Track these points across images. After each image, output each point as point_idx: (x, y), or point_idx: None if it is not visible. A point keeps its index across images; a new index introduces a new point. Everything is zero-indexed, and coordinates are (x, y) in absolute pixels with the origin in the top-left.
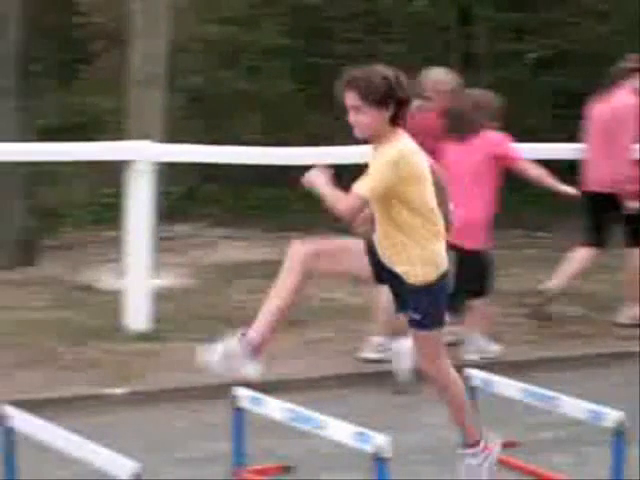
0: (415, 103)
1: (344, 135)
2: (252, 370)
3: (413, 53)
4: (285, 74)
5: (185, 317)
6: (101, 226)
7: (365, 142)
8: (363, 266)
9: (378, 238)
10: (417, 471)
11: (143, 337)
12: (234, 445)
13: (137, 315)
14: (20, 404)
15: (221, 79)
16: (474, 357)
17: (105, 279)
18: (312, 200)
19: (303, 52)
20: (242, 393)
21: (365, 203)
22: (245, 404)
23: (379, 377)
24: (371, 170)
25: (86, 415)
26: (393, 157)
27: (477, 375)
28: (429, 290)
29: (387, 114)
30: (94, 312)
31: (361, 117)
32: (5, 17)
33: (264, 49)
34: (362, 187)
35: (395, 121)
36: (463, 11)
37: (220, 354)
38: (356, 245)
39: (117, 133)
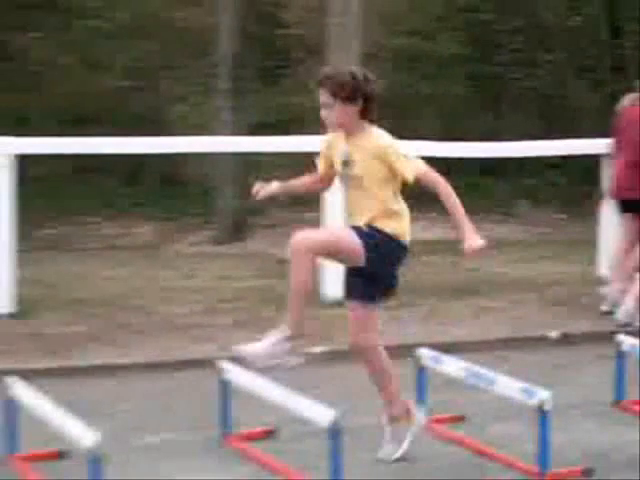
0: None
1: (508, 132)
2: (295, 361)
3: (569, 61)
4: (460, 79)
5: None
6: (300, 207)
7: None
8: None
9: (355, 215)
10: (576, 424)
11: (338, 304)
12: (417, 397)
13: (333, 285)
14: (235, 360)
15: (405, 83)
16: (622, 319)
17: None
18: (481, 188)
19: (475, 60)
20: (424, 353)
21: None
22: (427, 362)
23: (537, 341)
24: (398, 158)
25: (287, 371)
26: (391, 142)
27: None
28: (387, 238)
29: (356, 109)
30: None
31: (332, 113)
32: (220, 30)
33: (442, 57)
34: (418, 166)
35: (364, 115)
36: (613, 26)
37: (264, 348)
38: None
39: (315, 128)
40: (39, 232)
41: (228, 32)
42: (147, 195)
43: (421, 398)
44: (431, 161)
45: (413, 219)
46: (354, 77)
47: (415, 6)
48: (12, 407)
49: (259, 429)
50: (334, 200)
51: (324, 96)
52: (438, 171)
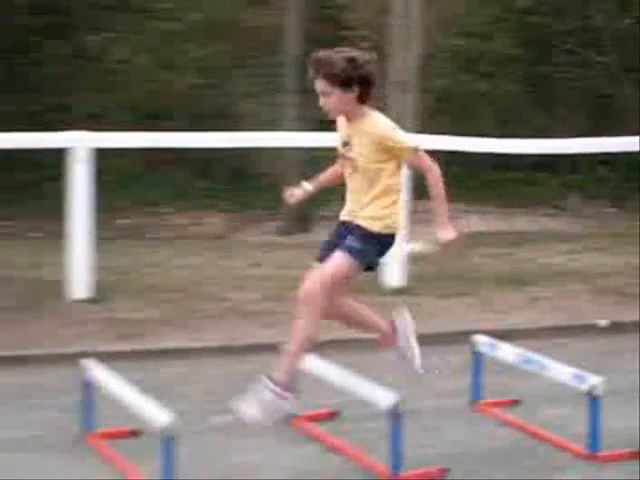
0: None
1: (560, 130)
2: (290, 406)
3: (619, 62)
4: (515, 79)
5: (432, 276)
6: None
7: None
8: None
9: (353, 195)
10: (624, 407)
11: (398, 292)
12: (473, 382)
13: (394, 273)
14: None
15: (462, 82)
16: None
17: None
18: (535, 183)
19: (530, 60)
20: (480, 340)
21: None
22: (483, 349)
23: (587, 329)
24: (394, 139)
25: (350, 355)
26: (388, 123)
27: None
28: (376, 237)
29: (353, 94)
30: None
31: (329, 99)
32: (288, 31)
33: (498, 57)
34: (415, 144)
35: (362, 99)
36: None
37: (257, 407)
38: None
39: None
40: (115, 222)
41: (295, 33)
42: (218, 187)
43: (477, 382)
44: (487, 156)
45: (472, 213)
46: (350, 61)
47: (473, 8)
48: (89, 388)
49: (323, 411)
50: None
51: (321, 84)
52: (496, 166)
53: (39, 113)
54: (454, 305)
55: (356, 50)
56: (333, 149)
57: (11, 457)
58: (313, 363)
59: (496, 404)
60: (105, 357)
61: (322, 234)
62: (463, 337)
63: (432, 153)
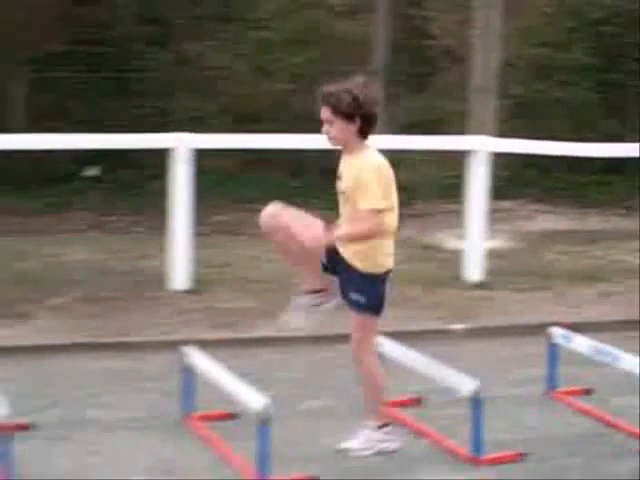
0: None
1: (631, 135)
2: (334, 302)
3: None
4: (588, 86)
5: (510, 271)
6: (445, 200)
7: None
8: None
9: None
10: None
11: (477, 286)
12: (548, 371)
13: (473, 269)
14: (388, 335)
15: (538, 89)
16: None
17: (448, 240)
18: (605, 184)
19: (603, 69)
20: (556, 331)
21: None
22: (558, 340)
23: None
24: (365, 183)
25: (433, 345)
26: (374, 166)
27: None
28: (373, 278)
29: (354, 127)
30: (439, 266)
31: (332, 129)
32: (376, 41)
33: (573, 66)
34: (374, 202)
35: (363, 133)
36: None
37: (298, 312)
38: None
39: (458, 129)
40: (213, 218)
41: (382, 43)
42: (308, 186)
43: (552, 372)
44: (561, 159)
45: (546, 212)
46: (354, 96)
47: (550, 20)
48: (189, 373)
49: (407, 397)
50: (477, 190)
51: (325, 112)
52: (569, 169)
53: (142, 116)
54: (529, 299)
55: (360, 86)
56: (418, 152)
57: (116, 437)
58: (400, 352)
59: (570, 393)
60: (203, 345)
61: (406, 230)
62: (537, 329)
63: (509, 156)
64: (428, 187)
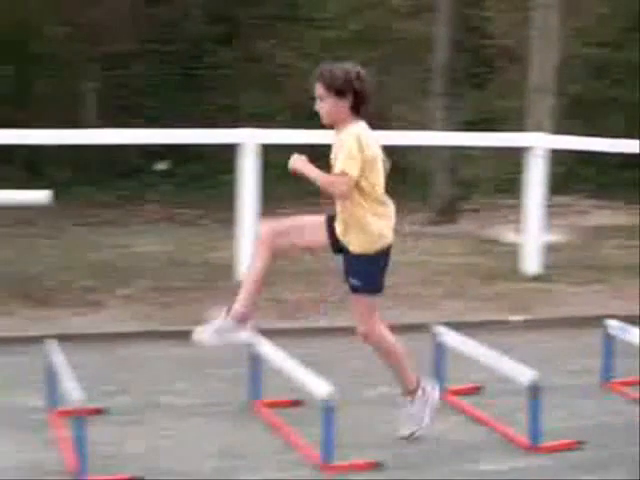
0: None
1: None
2: (244, 336)
3: None
4: None
5: (567, 265)
6: (503, 195)
7: None
8: (315, 239)
9: (337, 212)
10: None
11: (535, 279)
12: (604, 363)
13: (531, 262)
14: (449, 325)
15: (594, 88)
16: None
17: (507, 234)
18: None
19: None
20: (612, 323)
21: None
22: (614, 332)
23: None
24: (346, 153)
25: (492, 336)
26: (357, 136)
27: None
28: (366, 259)
29: (346, 103)
30: (498, 259)
31: (324, 105)
32: (436, 40)
33: (629, 65)
34: (349, 167)
35: (355, 110)
36: None
37: (211, 331)
38: (311, 221)
39: (515, 126)
40: (276, 211)
41: (442, 42)
42: None
43: (608, 363)
44: (616, 156)
45: (602, 208)
46: (347, 74)
47: (605, 20)
48: (256, 360)
49: (468, 385)
50: (535, 186)
51: (319, 89)
52: (624, 166)
53: (211, 112)
54: (586, 292)
55: (356, 66)
56: (477, 149)
57: (186, 422)
58: (459, 341)
59: (626, 383)
60: (269, 334)
61: (466, 225)
62: (594, 321)
63: (565, 152)
64: (487, 183)
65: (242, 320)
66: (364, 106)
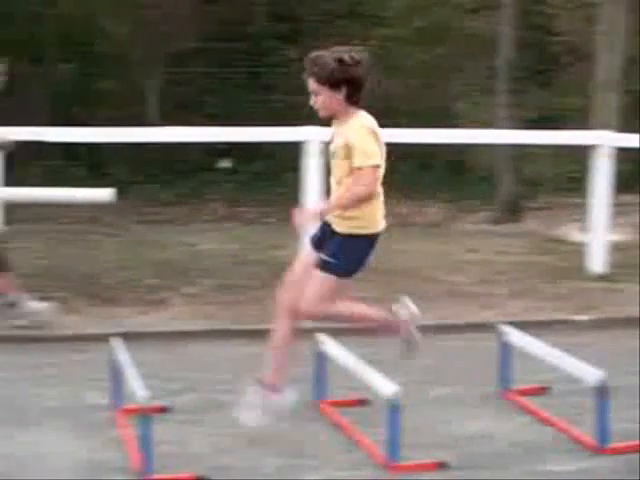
0: None
1: None
2: (286, 402)
3: None
4: None
5: (633, 264)
6: (568, 194)
7: None
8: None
9: (332, 194)
10: None
11: (601, 278)
12: None
13: (596, 261)
14: (514, 325)
15: None
16: None
17: (572, 233)
18: None
19: None
20: None
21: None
22: None
23: None
24: (360, 143)
25: (557, 335)
26: (369, 128)
27: None
28: (349, 241)
29: (341, 95)
30: (563, 258)
31: (319, 98)
32: (501, 38)
33: None
34: (369, 159)
35: (351, 100)
36: None
37: (256, 411)
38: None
39: (579, 124)
40: None
41: (507, 39)
42: (436, 179)
43: None
44: None
45: None
46: (340, 62)
47: None
48: (321, 360)
49: (534, 385)
50: (601, 184)
51: (312, 83)
52: None
53: (274, 110)
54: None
55: (350, 51)
56: (541, 146)
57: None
58: (526, 341)
59: None
60: (334, 332)
61: (530, 223)
62: None
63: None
64: (552, 181)
65: (275, 388)
66: (360, 93)
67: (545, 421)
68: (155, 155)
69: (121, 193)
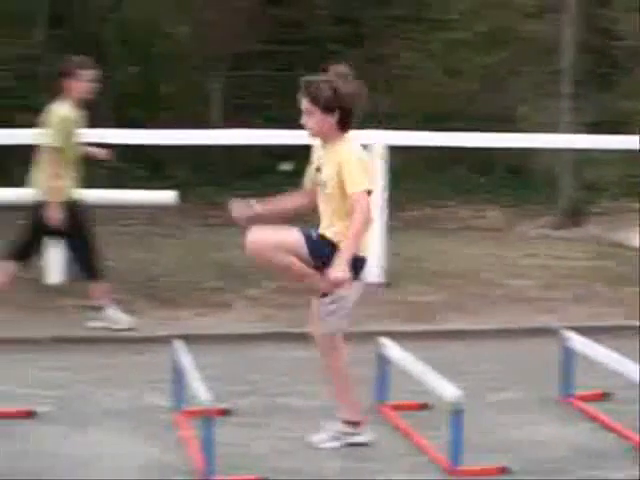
0: None
1: None
2: (367, 438)
3: None
4: None
5: None
6: (630, 199)
7: None
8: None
9: (322, 217)
10: None
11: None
12: None
13: None
14: (575, 330)
15: None
16: None
17: (634, 238)
18: None
19: None
20: None
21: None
22: None
23: None
24: (349, 169)
25: (619, 341)
26: (359, 155)
27: None
28: (330, 243)
29: (333, 119)
30: (625, 263)
31: (311, 120)
32: (563, 42)
33: None
34: (361, 184)
35: (342, 126)
36: None
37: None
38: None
39: None
40: (405, 213)
41: (570, 43)
42: (497, 183)
43: None
44: None
45: None
46: (334, 89)
47: None
48: (384, 363)
49: (596, 391)
50: None
51: (305, 103)
52: None
53: None
54: None
55: (341, 78)
56: (603, 151)
57: (308, 423)
58: (589, 346)
59: None
60: (394, 336)
61: (592, 228)
62: None
63: None
64: (613, 186)
65: (355, 424)
66: (352, 120)
67: (607, 427)
68: (217, 157)
69: (183, 195)
